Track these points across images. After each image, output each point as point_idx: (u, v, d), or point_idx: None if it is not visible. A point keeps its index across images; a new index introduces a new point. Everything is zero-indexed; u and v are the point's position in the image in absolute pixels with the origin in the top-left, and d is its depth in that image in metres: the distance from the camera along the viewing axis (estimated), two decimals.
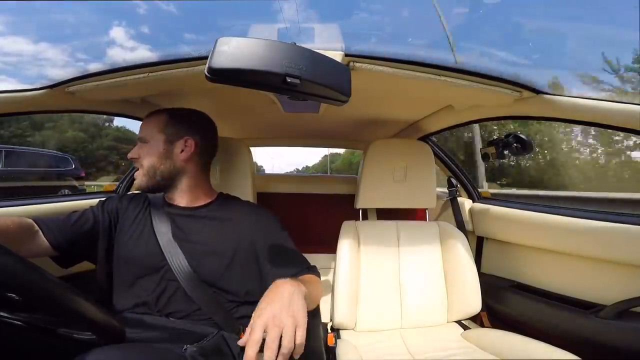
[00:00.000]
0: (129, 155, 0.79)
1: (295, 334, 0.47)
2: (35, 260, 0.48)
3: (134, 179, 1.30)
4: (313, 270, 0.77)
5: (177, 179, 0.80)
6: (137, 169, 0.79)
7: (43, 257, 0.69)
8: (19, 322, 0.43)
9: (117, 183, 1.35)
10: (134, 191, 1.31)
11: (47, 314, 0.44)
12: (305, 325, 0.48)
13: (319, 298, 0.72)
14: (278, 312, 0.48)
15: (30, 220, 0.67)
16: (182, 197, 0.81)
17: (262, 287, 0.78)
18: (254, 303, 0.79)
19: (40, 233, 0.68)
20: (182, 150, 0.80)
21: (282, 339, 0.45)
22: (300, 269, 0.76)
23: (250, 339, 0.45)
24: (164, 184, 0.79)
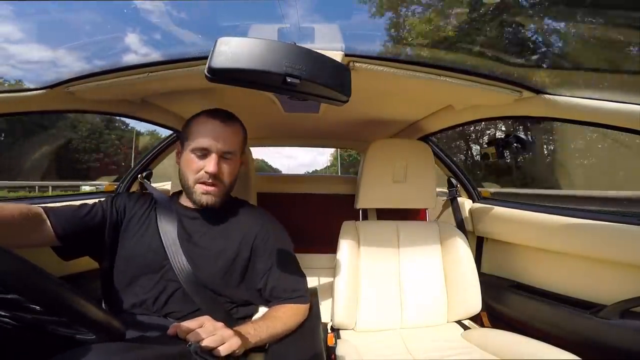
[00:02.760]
0: (212, 170, 0.71)
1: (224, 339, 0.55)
2: (36, 256, 0.48)
3: (135, 179, 1.31)
4: (299, 299, 0.77)
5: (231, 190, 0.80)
6: (213, 185, 0.73)
7: (42, 256, 0.68)
8: (18, 322, 0.43)
9: (118, 183, 1.35)
10: (136, 192, 1.31)
11: (47, 314, 0.44)
12: (232, 345, 0.55)
13: (292, 327, 0.72)
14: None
15: (39, 209, 0.67)
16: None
17: (257, 293, 0.78)
18: (253, 305, 0.79)
19: (48, 222, 0.67)
20: (242, 164, 0.82)
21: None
22: (287, 296, 0.76)
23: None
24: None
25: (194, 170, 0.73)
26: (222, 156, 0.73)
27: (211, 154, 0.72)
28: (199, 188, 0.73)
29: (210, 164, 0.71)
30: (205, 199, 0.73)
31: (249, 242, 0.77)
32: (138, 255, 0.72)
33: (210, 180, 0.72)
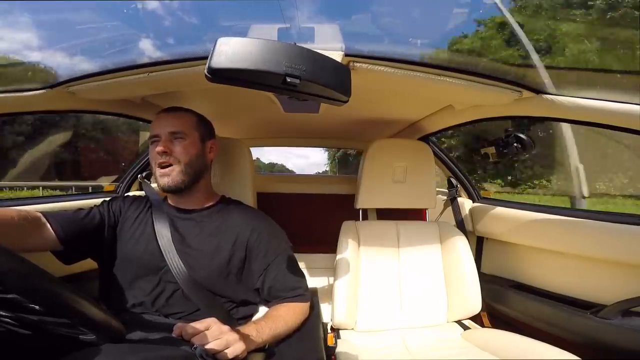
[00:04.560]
0: (160, 148, 0.73)
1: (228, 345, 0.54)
2: (36, 257, 0.48)
3: (134, 179, 1.31)
4: (300, 298, 0.77)
5: (200, 178, 0.80)
6: (167, 165, 0.74)
7: (42, 258, 0.68)
8: (20, 323, 0.43)
9: (117, 183, 1.35)
10: (134, 191, 1.31)
11: (47, 314, 0.44)
12: (236, 350, 0.55)
13: (293, 327, 0.72)
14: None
15: (37, 213, 0.67)
16: (192, 199, 0.80)
17: (256, 293, 0.78)
18: (253, 304, 0.79)
19: (48, 226, 0.67)
20: (210, 151, 0.83)
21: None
22: (287, 295, 0.76)
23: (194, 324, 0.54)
24: (193, 182, 0.77)
25: (152, 157, 0.76)
26: (171, 137, 0.75)
27: (161, 137, 0.75)
28: (158, 172, 0.75)
29: (160, 144, 0.74)
30: (164, 181, 0.74)
31: (243, 242, 0.77)
32: (136, 257, 0.72)
33: (163, 159, 0.74)
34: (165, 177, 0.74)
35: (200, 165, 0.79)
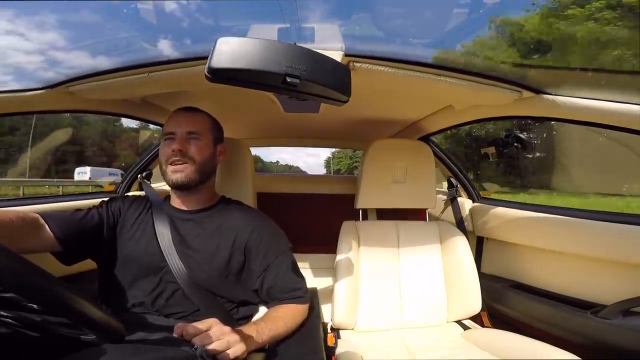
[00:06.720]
0: (176, 146, 0.74)
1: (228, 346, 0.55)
2: (35, 257, 0.48)
3: (135, 179, 1.31)
4: (299, 300, 0.76)
5: (208, 180, 0.81)
6: (181, 163, 0.75)
7: (42, 258, 0.68)
8: (21, 323, 0.43)
9: (118, 183, 1.35)
10: (134, 191, 1.31)
11: (48, 314, 0.44)
12: (236, 351, 0.55)
13: (292, 328, 0.72)
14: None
15: (35, 215, 0.67)
16: (195, 199, 0.80)
17: (255, 294, 0.78)
18: (253, 305, 0.79)
19: (46, 227, 0.67)
20: (219, 154, 0.84)
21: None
22: (286, 296, 0.76)
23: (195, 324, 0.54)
24: (202, 183, 0.78)
25: (165, 155, 0.76)
26: (187, 137, 0.76)
27: (177, 136, 0.76)
28: (169, 168, 0.75)
29: (175, 142, 0.75)
30: (176, 177, 0.75)
31: (242, 243, 0.77)
32: (136, 257, 0.72)
33: (177, 157, 0.74)
34: (179, 172, 0.74)
35: (210, 167, 0.80)
